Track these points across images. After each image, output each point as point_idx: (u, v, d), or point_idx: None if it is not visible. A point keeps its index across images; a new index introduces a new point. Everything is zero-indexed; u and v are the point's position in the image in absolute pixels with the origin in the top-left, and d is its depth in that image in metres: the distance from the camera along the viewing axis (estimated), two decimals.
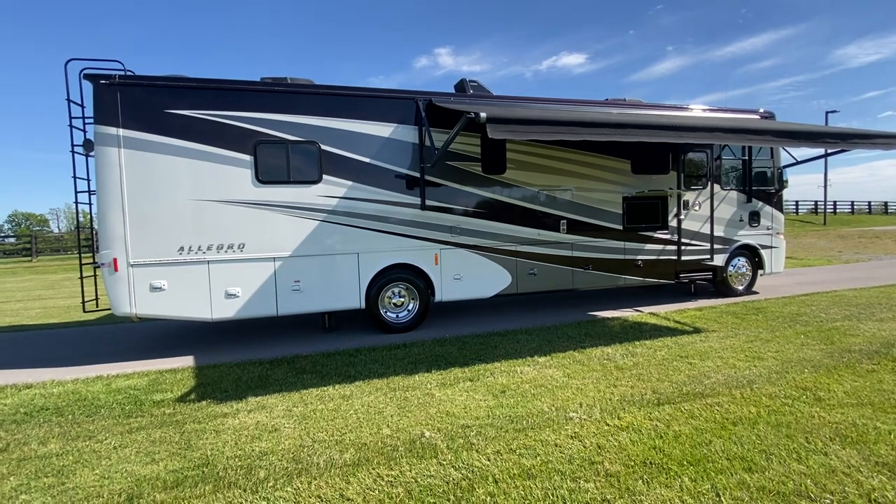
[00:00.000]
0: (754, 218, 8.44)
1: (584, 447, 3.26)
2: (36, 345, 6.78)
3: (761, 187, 8.45)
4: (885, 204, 44.06)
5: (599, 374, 4.69)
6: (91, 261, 6.38)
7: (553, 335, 6.21)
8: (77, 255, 6.69)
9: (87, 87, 5.51)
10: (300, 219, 6.12)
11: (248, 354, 5.79)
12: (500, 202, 7.00)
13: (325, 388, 4.55)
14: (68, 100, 5.63)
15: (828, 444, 3.20)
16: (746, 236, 8.40)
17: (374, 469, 3.07)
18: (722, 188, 8.22)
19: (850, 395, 3.99)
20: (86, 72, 5.47)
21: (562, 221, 7.33)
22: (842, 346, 5.38)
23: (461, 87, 7.15)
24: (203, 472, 3.11)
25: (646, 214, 7.80)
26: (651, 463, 3.02)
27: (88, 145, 5.71)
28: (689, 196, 8.01)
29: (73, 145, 5.76)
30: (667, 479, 2.85)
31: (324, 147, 6.16)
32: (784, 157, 8.64)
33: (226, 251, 5.85)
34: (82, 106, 5.77)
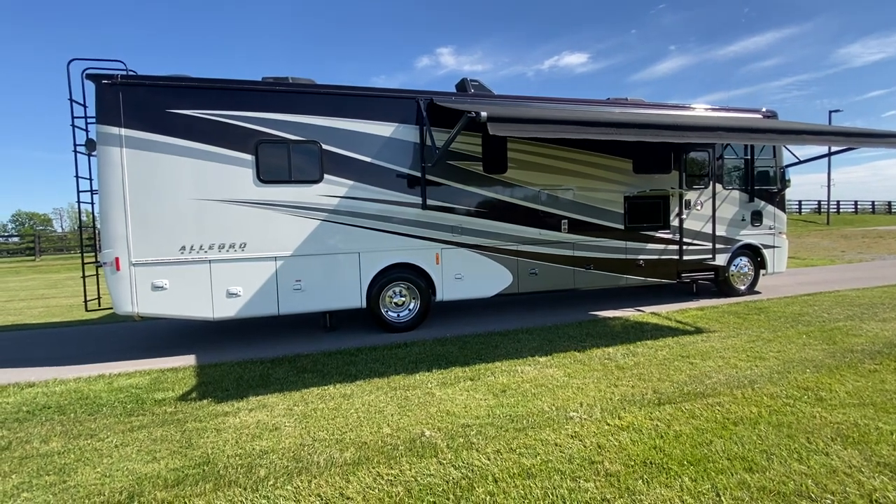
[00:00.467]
0: (756, 217, 8.41)
1: (585, 447, 3.25)
2: (38, 344, 6.81)
3: (763, 187, 8.42)
4: (889, 204, 43.85)
5: (600, 374, 4.68)
6: (93, 260, 6.41)
7: (554, 335, 6.20)
8: (79, 255, 6.72)
9: (90, 86, 5.53)
10: (301, 218, 6.13)
11: (250, 353, 5.80)
12: (502, 202, 7.00)
13: (326, 387, 4.56)
14: (71, 100, 5.65)
15: (829, 444, 3.19)
16: (749, 236, 8.37)
17: (374, 468, 3.07)
18: (724, 187, 8.20)
19: (852, 396, 3.98)
20: (88, 72, 5.49)
21: (563, 221, 7.32)
22: (844, 346, 5.36)
23: (462, 86, 7.15)
24: (204, 470, 3.12)
25: (648, 214, 7.78)
26: (651, 463, 3.01)
27: (91, 145, 5.73)
28: (691, 195, 7.99)
29: (75, 145, 5.79)
30: (667, 478, 2.84)
31: (325, 147, 6.17)
32: (786, 156, 8.61)
33: (227, 250, 5.86)
34: (84, 106, 5.79)
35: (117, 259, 5.51)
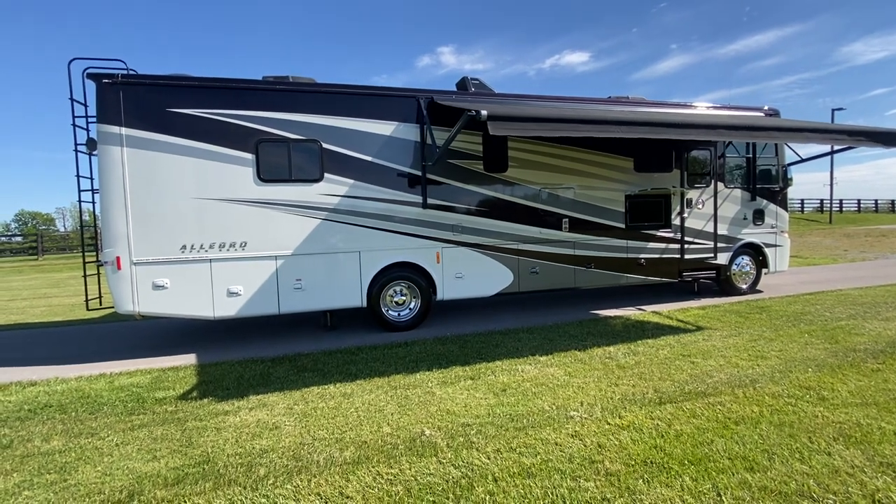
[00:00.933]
0: (758, 216, 8.38)
1: (585, 446, 3.25)
2: (40, 343, 6.83)
3: (765, 185, 8.39)
4: (892, 202, 43.64)
5: (601, 373, 4.67)
6: (95, 259, 6.41)
7: (555, 334, 6.19)
8: (82, 254, 6.74)
9: (91, 86, 5.54)
10: (302, 217, 6.13)
11: (251, 352, 5.80)
12: (502, 200, 6.98)
13: (327, 387, 4.56)
14: (71, 99, 5.66)
15: (831, 443, 3.17)
16: (750, 235, 8.34)
17: (373, 467, 3.07)
18: (725, 186, 8.17)
19: (854, 395, 3.96)
20: (89, 71, 5.49)
21: (564, 220, 7.30)
22: (846, 345, 5.33)
23: (463, 85, 7.13)
24: (204, 469, 3.12)
25: (649, 213, 7.76)
26: (652, 462, 3.00)
27: (91, 144, 5.73)
28: (692, 194, 7.96)
29: (76, 144, 5.79)
30: (667, 478, 2.83)
31: (325, 145, 6.16)
32: (788, 154, 8.57)
33: (228, 249, 5.87)
34: (85, 105, 5.80)
35: (118, 258, 5.52)
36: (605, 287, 7.84)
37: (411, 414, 3.86)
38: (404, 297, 6.75)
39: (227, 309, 5.90)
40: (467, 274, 6.86)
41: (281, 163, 6.06)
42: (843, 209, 38.42)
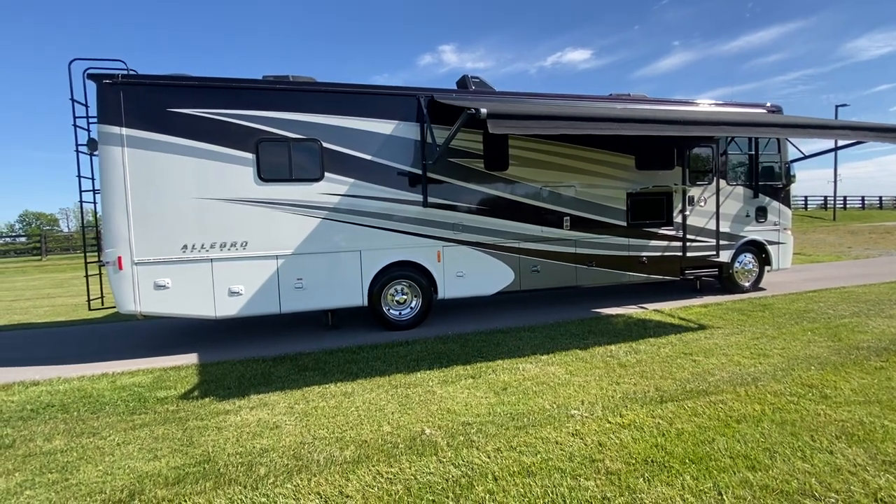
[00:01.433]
0: (761, 213, 8.33)
1: (586, 445, 3.23)
2: (43, 343, 6.86)
3: (768, 182, 8.34)
4: None
5: (602, 372, 4.66)
6: (96, 259, 6.43)
7: (556, 332, 6.17)
8: (83, 254, 6.77)
9: (91, 86, 5.55)
10: (302, 217, 6.13)
11: (252, 352, 5.81)
12: (503, 199, 6.97)
13: (327, 386, 4.56)
14: (72, 99, 5.67)
15: (834, 442, 3.15)
16: (753, 232, 8.30)
17: (373, 466, 3.07)
18: (728, 183, 8.13)
19: (857, 393, 3.93)
20: (89, 71, 5.50)
21: (565, 218, 7.28)
22: (849, 342, 5.30)
23: (463, 83, 7.12)
24: (204, 468, 3.13)
25: (650, 210, 7.73)
26: (653, 461, 2.99)
27: (92, 145, 5.74)
28: (694, 192, 7.93)
29: (77, 145, 5.80)
30: (668, 477, 2.82)
31: (325, 145, 6.16)
32: (791, 151, 8.52)
33: (229, 249, 5.87)
34: (86, 105, 5.81)
35: (120, 258, 5.54)
36: (606, 285, 7.82)
37: (412, 413, 3.86)
38: (405, 296, 6.75)
39: (229, 309, 5.91)
40: (468, 273, 6.85)
41: (281, 162, 6.05)
42: (847, 206, 38.20)
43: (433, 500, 2.69)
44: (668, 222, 7.82)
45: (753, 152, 8.21)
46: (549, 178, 7.15)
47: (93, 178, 5.99)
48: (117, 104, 5.47)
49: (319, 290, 6.26)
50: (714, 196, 8.00)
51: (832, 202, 32.98)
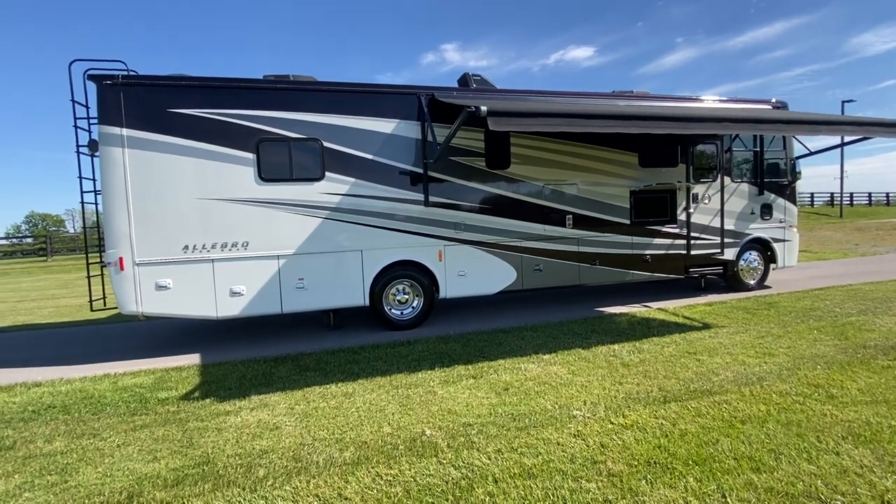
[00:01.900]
0: (766, 211, 8.25)
1: (587, 446, 3.20)
2: (46, 344, 6.89)
3: (773, 179, 8.25)
4: None
5: (605, 372, 4.61)
6: (99, 260, 6.44)
7: (558, 332, 6.13)
8: (85, 255, 6.79)
9: (92, 87, 5.55)
10: (303, 216, 6.11)
11: (254, 352, 5.81)
12: (505, 197, 6.92)
13: (328, 386, 4.54)
14: (73, 100, 5.67)
15: (840, 443, 3.10)
16: (758, 229, 8.22)
17: (373, 468, 3.04)
18: (732, 180, 8.04)
19: (864, 393, 3.87)
20: (90, 72, 5.50)
21: (568, 216, 7.23)
22: (856, 341, 5.23)
23: (464, 81, 7.08)
24: (203, 470, 3.12)
25: (654, 208, 7.66)
26: (655, 462, 2.95)
27: (93, 146, 5.74)
28: (698, 189, 7.85)
29: (77, 146, 5.81)
30: (671, 479, 2.78)
31: (326, 144, 6.14)
32: (797, 147, 8.43)
33: (230, 249, 5.87)
34: (87, 106, 5.81)
35: (121, 259, 5.54)
36: (609, 284, 7.76)
37: (412, 414, 3.83)
38: (407, 296, 6.72)
39: (230, 309, 5.91)
40: (470, 272, 6.82)
41: (282, 162, 6.04)
42: (854, 202, 37.83)
43: (432, 503, 2.67)
44: (672, 220, 7.76)
45: (758, 149, 8.12)
46: (551, 176, 7.10)
47: (94, 179, 5.99)
48: (117, 105, 5.46)
49: (321, 290, 6.24)
50: (718, 193, 7.92)
51: (838, 199, 32.68)
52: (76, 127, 5.76)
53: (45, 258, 23.83)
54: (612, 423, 3.50)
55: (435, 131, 6.03)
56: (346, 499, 2.74)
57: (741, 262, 8.27)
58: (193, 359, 5.68)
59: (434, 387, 4.40)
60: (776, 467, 2.85)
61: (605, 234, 7.43)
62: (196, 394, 4.51)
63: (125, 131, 5.50)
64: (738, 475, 2.79)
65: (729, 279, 8.33)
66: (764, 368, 4.52)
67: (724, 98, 8.02)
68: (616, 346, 5.38)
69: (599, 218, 7.39)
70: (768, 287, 8.44)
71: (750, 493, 2.63)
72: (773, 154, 8.26)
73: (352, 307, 6.45)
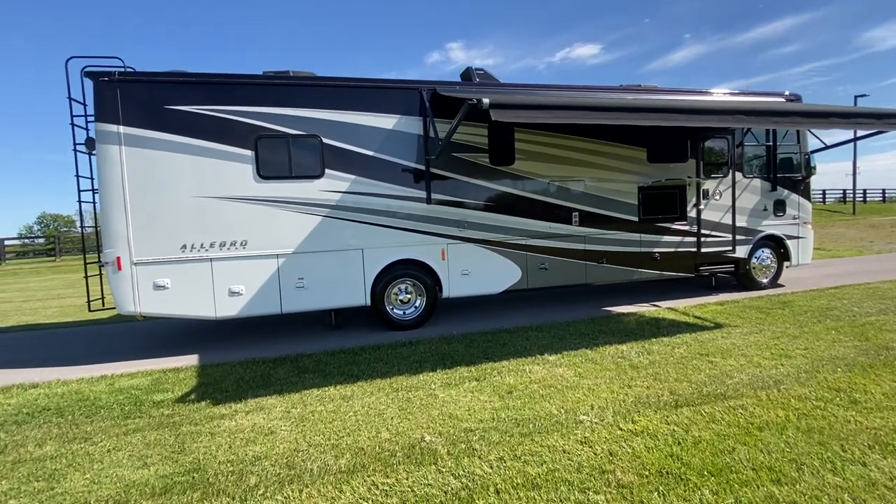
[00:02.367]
0: (780, 207, 8.00)
1: (595, 454, 3.03)
2: (48, 344, 6.85)
3: (787, 174, 8.00)
4: None
5: (613, 374, 4.44)
6: (97, 260, 6.37)
7: (565, 332, 5.96)
8: (97, 254, 6.74)
9: (89, 84, 5.46)
10: (303, 214, 5.99)
11: (253, 353, 5.70)
12: (509, 194, 6.76)
13: (327, 389, 4.41)
14: (69, 98, 5.59)
15: (866, 452, 2.91)
16: (771, 226, 7.97)
17: (369, 476, 2.90)
18: (744, 176, 7.80)
19: (889, 397, 3.66)
20: (86, 69, 5.41)
21: (574, 213, 7.04)
22: (878, 342, 5.00)
23: (467, 75, 6.91)
24: (193, 477, 2.99)
25: (663, 205, 7.45)
26: (668, 472, 2.78)
27: (90, 144, 5.67)
28: (709, 185, 7.62)
29: (74, 144, 5.73)
30: (685, 491, 2.61)
31: (326, 141, 6.01)
32: (812, 142, 8.16)
33: (228, 248, 5.76)
34: (84, 104, 5.72)
35: (118, 258, 5.45)
36: (617, 283, 7.57)
37: (412, 418, 3.69)
38: (409, 295, 6.58)
39: (229, 309, 5.80)
40: (474, 271, 6.66)
41: (281, 159, 5.92)
42: (867, 199, 37.09)
43: None
44: (682, 217, 7.54)
45: (771, 143, 7.88)
46: (556, 172, 6.92)
47: (92, 178, 5.92)
48: (114, 102, 5.37)
49: (321, 289, 6.12)
50: (730, 189, 7.69)
51: (851, 195, 32.04)
52: (73, 125, 5.68)
53: (53, 258, 24.02)
54: (621, 430, 3.33)
55: (437, 127, 5.88)
56: None
57: (753, 260, 8.03)
58: (192, 359, 5.59)
59: (435, 389, 4.25)
60: (798, 479, 2.67)
61: (613, 232, 7.24)
62: (192, 396, 4.40)
63: (122, 129, 5.41)
64: (758, 487, 2.61)
65: (741, 277, 8.09)
66: (781, 371, 4.32)
67: (736, 91, 7.78)
68: (624, 347, 5.20)
69: (606, 215, 7.19)
70: (782, 286, 8.19)
71: None
72: (787, 148, 8.01)
73: (353, 307, 6.33)
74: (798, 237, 8.14)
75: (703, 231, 7.61)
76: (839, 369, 4.28)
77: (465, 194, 6.56)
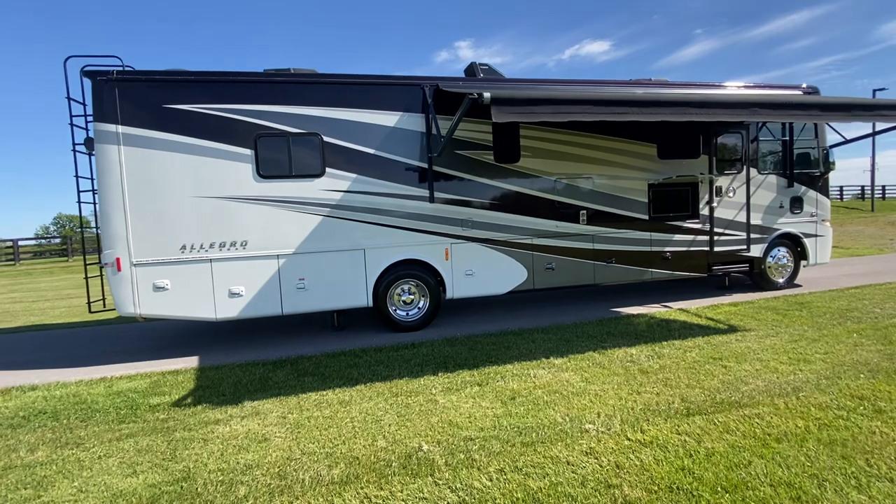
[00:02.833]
0: (796, 204, 7.71)
1: (601, 466, 2.87)
2: (53, 345, 6.83)
3: (804, 170, 7.71)
4: None
5: (621, 379, 4.26)
6: (97, 261, 6.34)
7: (572, 334, 5.78)
8: (83, 256, 6.72)
9: (88, 84, 5.41)
10: (303, 214, 5.89)
11: (254, 354, 5.61)
12: (515, 192, 6.59)
13: (325, 393, 4.30)
14: (68, 98, 5.55)
15: (894, 467, 2.70)
16: (787, 224, 7.69)
17: (362, 488, 2.78)
18: (759, 172, 7.53)
19: None
20: (85, 69, 5.36)
21: (581, 212, 6.85)
22: None
23: (471, 71, 6.76)
24: (181, 487, 2.89)
25: (674, 202, 7.22)
26: (678, 488, 2.61)
27: (90, 144, 5.62)
28: (722, 181, 7.37)
29: (74, 144, 5.69)
30: None
31: (326, 139, 5.90)
32: (830, 136, 7.85)
33: (228, 249, 5.68)
34: (83, 104, 5.68)
35: (118, 259, 5.40)
36: (627, 283, 7.36)
37: (410, 425, 3.55)
38: (412, 296, 6.45)
39: (229, 310, 5.73)
40: (478, 271, 6.50)
41: (281, 158, 5.82)
42: (886, 196, 36.07)
43: None
44: (694, 215, 7.30)
45: (788, 138, 7.59)
46: (563, 169, 6.73)
47: (92, 179, 5.88)
48: (112, 101, 5.31)
49: (322, 290, 6.01)
50: (744, 186, 7.43)
51: (870, 192, 31.17)
52: (72, 125, 5.64)
53: (66, 258, 24.36)
54: (629, 440, 3.16)
55: (440, 123, 5.74)
56: None
57: (769, 259, 7.76)
58: (193, 361, 5.52)
59: (436, 395, 4.11)
60: (820, 497, 2.48)
61: (622, 231, 7.03)
62: (188, 400, 4.32)
63: (120, 128, 5.35)
64: None
65: (756, 277, 7.82)
66: (799, 377, 4.10)
67: (751, 84, 7.51)
68: (634, 351, 5.01)
69: (616, 213, 6.98)
70: (799, 286, 7.91)
71: None
72: (804, 143, 7.71)
73: (355, 308, 6.21)
74: (816, 235, 7.85)
75: (716, 229, 7.36)
76: (862, 375, 4.06)
77: (469, 192, 6.40)
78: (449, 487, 2.73)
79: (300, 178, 5.87)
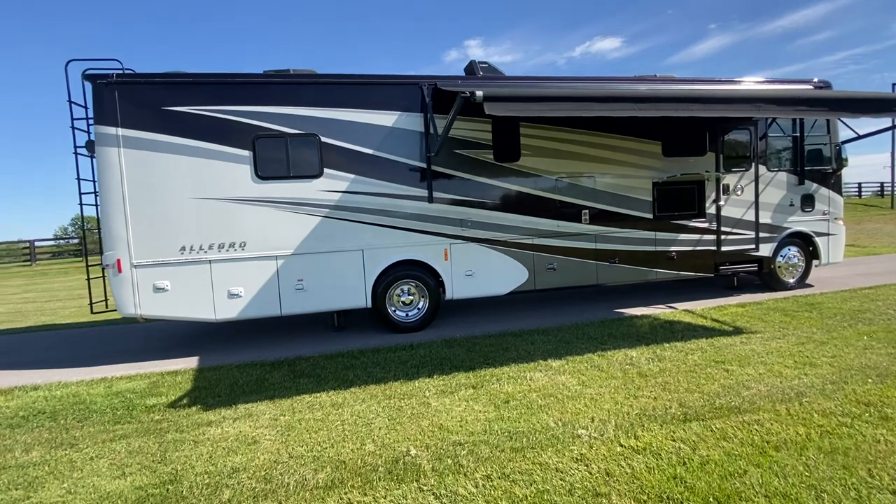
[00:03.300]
0: (807, 202, 7.50)
1: (590, 474, 2.80)
2: (59, 345, 6.94)
3: (816, 167, 7.49)
4: None
5: (619, 382, 4.17)
6: (98, 262, 6.42)
7: (572, 335, 5.69)
8: (84, 258, 6.82)
9: (89, 87, 5.46)
10: (302, 215, 5.89)
11: (253, 355, 5.63)
12: (515, 192, 6.51)
13: (318, 395, 4.28)
14: (69, 101, 5.62)
15: None
16: (798, 223, 7.48)
17: (346, 493, 2.74)
18: (769, 169, 7.34)
19: None
20: (85, 72, 5.42)
21: (584, 211, 6.74)
22: None
23: (471, 69, 6.69)
24: (167, 490, 2.89)
25: (680, 201, 7.07)
26: (668, 498, 2.52)
27: (91, 146, 5.68)
28: (729, 179, 7.20)
29: (75, 147, 5.76)
30: None
31: (324, 139, 5.88)
32: (842, 132, 7.61)
33: (227, 250, 5.70)
34: (85, 107, 5.74)
35: (119, 261, 5.46)
36: (631, 283, 7.23)
37: (400, 429, 3.51)
38: (411, 297, 6.41)
39: (229, 311, 5.75)
40: (478, 271, 6.44)
41: (279, 159, 5.83)
42: None
43: None
44: (700, 214, 7.14)
45: (798, 134, 7.38)
46: (565, 168, 6.63)
47: (94, 181, 5.94)
48: (113, 104, 5.36)
49: (321, 291, 6.01)
50: (752, 183, 7.24)
51: (889, 188, 30.31)
52: (73, 128, 5.71)
53: (81, 259, 24.85)
54: (622, 446, 3.08)
55: (438, 123, 5.68)
56: None
57: (779, 259, 7.56)
58: (192, 362, 5.55)
59: (429, 397, 4.07)
60: None
61: (626, 230, 6.90)
62: (184, 401, 4.34)
63: (121, 131, 5.40)
64: None
65: (765, 277, 7.63)
66: (804, 382, 3.96)
67: (760, 79, 7.31)
68: (634, 353, 4.91)
69: (619, 212, 6.86)
70: (810, 286, 7.69)
71: None
72: (815, 139, 7.50)
73: (354, 309, 6.20)
74: (828, 234, 7.63)
75: (723, 228, 7.19)
76: (870, 380, 3.91)
77: (469, 192, 6.34)
78: (433, 494, 2.68)
79: (298, 178, 5.87)
